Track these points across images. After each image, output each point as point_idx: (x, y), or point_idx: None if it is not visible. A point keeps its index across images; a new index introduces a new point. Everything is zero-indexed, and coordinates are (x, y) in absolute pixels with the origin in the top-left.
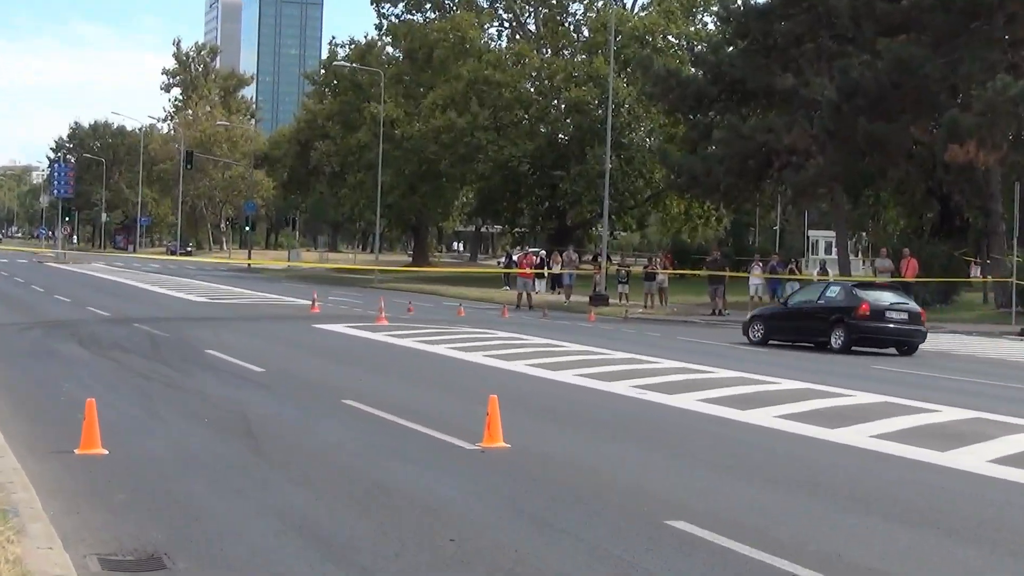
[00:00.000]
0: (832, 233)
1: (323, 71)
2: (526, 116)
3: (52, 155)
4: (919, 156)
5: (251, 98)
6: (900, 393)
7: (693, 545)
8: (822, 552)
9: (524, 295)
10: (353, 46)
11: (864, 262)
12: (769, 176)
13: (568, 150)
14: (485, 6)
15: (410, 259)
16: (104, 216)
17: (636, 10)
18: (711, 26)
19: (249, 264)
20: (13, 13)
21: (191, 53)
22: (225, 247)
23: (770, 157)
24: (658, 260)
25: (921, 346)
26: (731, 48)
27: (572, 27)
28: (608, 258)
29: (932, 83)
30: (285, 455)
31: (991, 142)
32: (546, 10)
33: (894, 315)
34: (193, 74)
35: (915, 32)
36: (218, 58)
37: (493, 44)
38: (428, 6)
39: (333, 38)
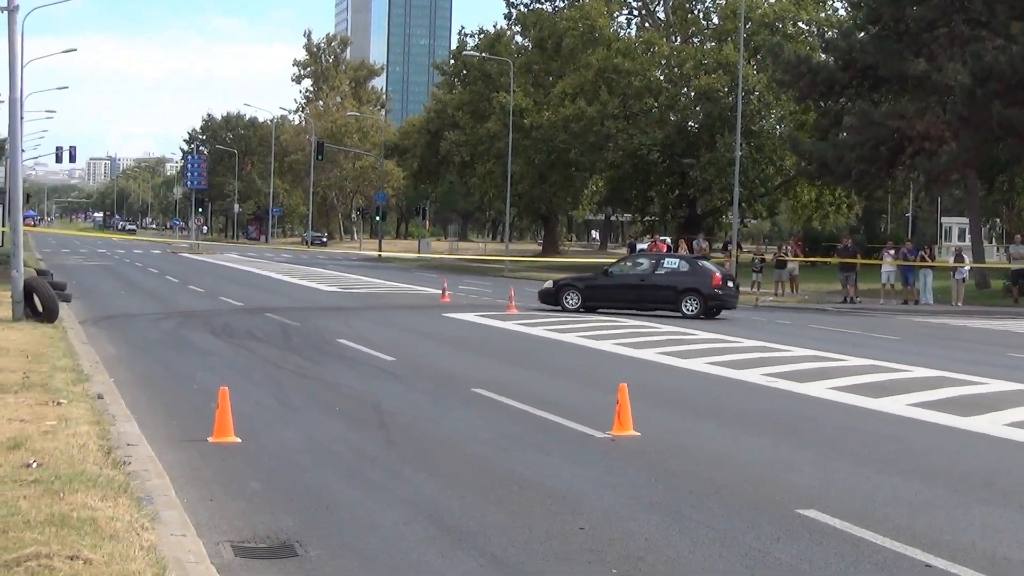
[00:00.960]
0: (965, 220)
1: (452, 61)
2: (655, 104)
3: (185, 147)
4: None
5: (381, 88)
6: None
7: (824, 534)
8: (957, 542)
9: None
10: (482, 36)
11: (998, 249)
12: (901, 163)
13: (698, 138)
14: None
15: (540, 248)
16: (236, 207)
17: None
18: (842, 12)
19: (380, 254)
20: (149, 7)
21: (322, 44)
22: (356, 237)
23: (902, 143)
24: (788, 248)
25: None
26: (862, 34)
27: (701, 15)
28: (739, 246)
29: None
30: (416, 444)
31: None
32: None
33: (730, 284)
34: (324, 65)
35: None
36: (348, 49)
37: (622, 32)
38: None
39: (462, 28)
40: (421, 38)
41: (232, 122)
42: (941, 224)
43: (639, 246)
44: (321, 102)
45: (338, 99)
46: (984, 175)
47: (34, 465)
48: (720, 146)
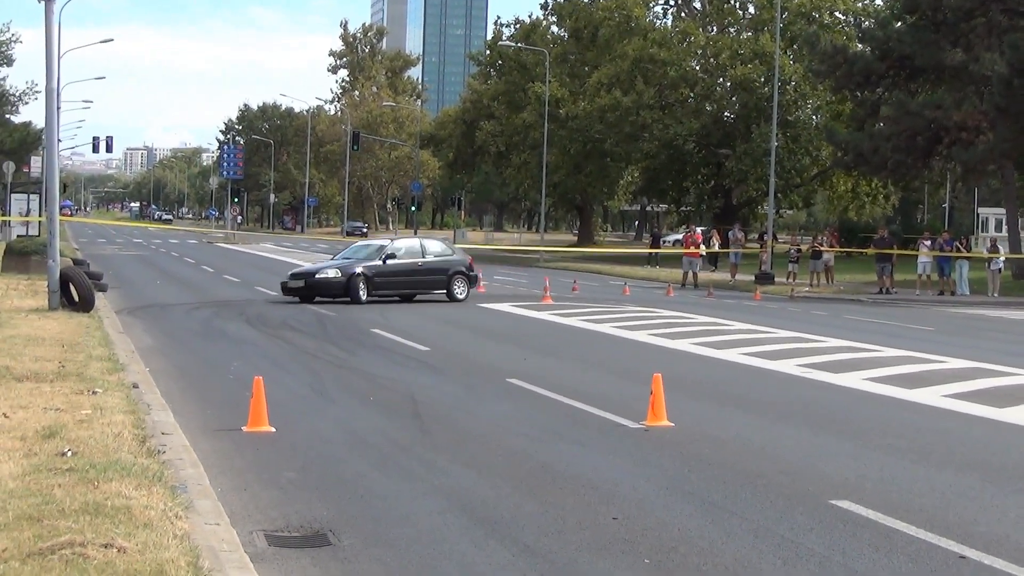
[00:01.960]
0: (1002, 210)
1: (488, 51)
2: (692, 94)
3: (222, 137)
4: None
5: (417, 79)
6: None
7: (858, 525)
8: (991, 533)
9: (690, 274)
10: (518, 26)
11: None
12: (938, 153)
13: (734, 128)
14: None
15: (575, 238)
16: (272, 197)
17: None
18: (879, 1)
19: None
20: None
21: (358, 35)
22: (391, 227)
23: (939, 134)
24: (824, 238)
25: None
26: (899, 23)
27: (738, 4)
28: (775, 236)
29: None
30: (451, 435)
31: None
32: None
33: (474, 266)
34: (360, 55)
35: None
36: (384, 39)
37: (658, 22)
38: None
39: (498, 18)
40: (457, 28)
41: (268, 112)
42: (978, 215)
43: (672, 237)
44: (357, 92)
45: (374, 89)
46: (1021, 166)
47: (69, 454)
48: (756, 136)
